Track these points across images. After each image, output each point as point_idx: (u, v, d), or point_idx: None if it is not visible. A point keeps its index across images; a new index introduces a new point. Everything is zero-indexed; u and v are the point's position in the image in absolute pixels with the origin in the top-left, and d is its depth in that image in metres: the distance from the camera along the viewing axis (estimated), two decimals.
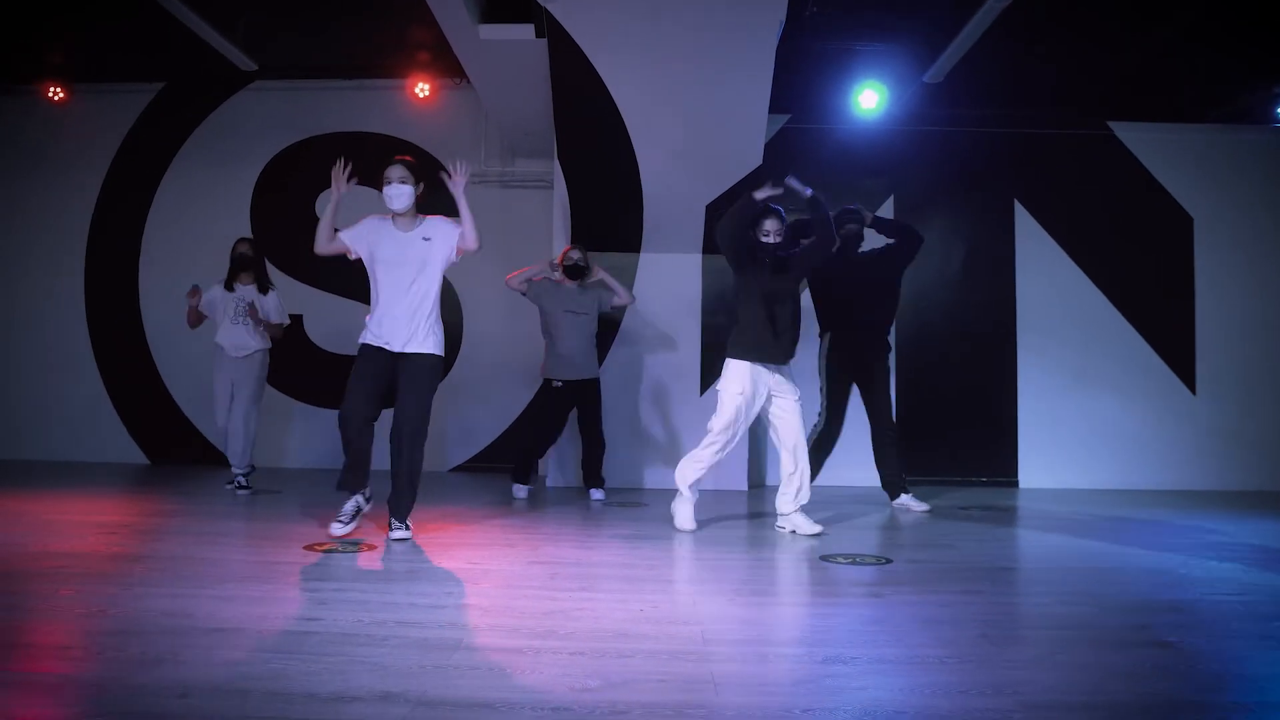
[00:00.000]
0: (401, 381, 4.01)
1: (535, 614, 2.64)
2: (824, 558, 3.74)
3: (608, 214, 6.49)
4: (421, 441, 4.04)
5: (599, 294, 5.95)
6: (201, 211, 7.63)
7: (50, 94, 7.58)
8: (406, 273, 4.00)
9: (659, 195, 6.23)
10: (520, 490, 5.76)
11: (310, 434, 7.38)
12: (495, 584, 3.09)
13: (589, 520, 4.86)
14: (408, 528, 3.97)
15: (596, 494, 5.76)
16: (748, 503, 5.80)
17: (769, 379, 4.47)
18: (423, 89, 7.48)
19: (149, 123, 7.78)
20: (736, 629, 2.57)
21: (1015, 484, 7.20)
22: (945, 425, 7.20)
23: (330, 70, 7.52)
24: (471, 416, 7.45)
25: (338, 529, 3.99)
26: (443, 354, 4.13)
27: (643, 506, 5.44)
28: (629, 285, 6.67)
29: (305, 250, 7.23)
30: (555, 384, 5.73)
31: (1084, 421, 7.23)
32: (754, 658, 2.27)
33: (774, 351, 4.47)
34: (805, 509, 4.46)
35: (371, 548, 3.73)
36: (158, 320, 7.62)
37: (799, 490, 4.43)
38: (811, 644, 2.41)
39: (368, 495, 4.15)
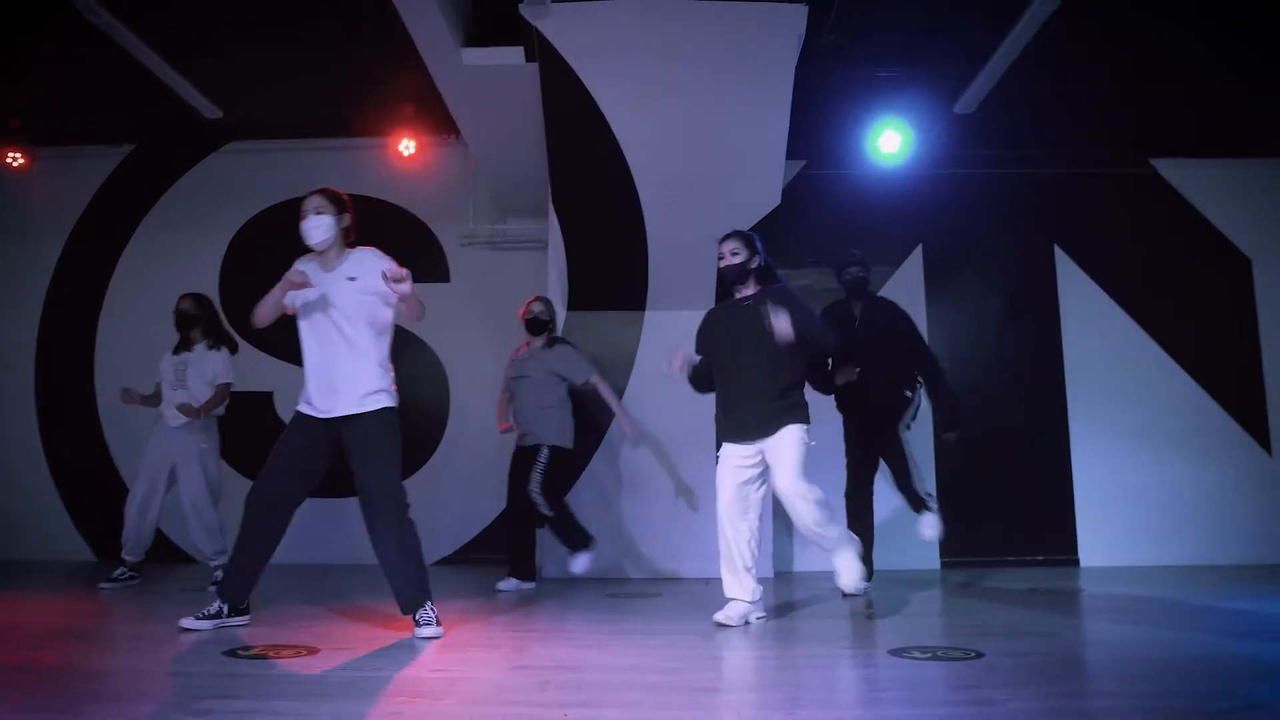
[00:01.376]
0: (353, 453, 3.27)
1: None
2: (894, 652, 2.91)
3: (608, 267, 5.83)
4: (404, 511, 3.27)
5: (560, 359, 5.21)
6: (165, 282, 6.88)
7: (9, 160, 7.04)
8: (332, 320, 3.33)
9: (665, 243, 5.58)
10: (507, 584, 4.94)
11: None
12: (462, 700, 2.26)
13: (592, 615, 4.00)
14: (435, 619, 3.20)
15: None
16: (774, 591, 4.93)
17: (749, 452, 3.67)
18: (407, 146, 6.91)
19: (113, 189, 7.21)
20: None
21: (1075, 562, 6.33)
22: (994, 498, 6.38)
23: (307, 129, 6.99)
24: (460, 501, 6.64)
25: (190, 623, 3.23)
26: (395, 405, 3.38)
27: (656, 597, 4.59)
28: (633, 347, 5.99)
29: (277, 323, 6.56)
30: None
31: (1148, 490, 6.40)
32: None
33: (738, 425, 3.68)
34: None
35: (313, 651, 2.89)
36: (113, 404, 6.85)
37: (825, 539, 3.64)
38: None
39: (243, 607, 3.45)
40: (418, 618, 3.20)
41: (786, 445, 3.56)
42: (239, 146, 7.14)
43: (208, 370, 5.06)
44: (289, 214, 6.88)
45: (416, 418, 6.70)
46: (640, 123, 4.96)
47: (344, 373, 3.28)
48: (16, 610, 4.01)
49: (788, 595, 4.69)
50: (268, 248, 6.96)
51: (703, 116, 4.90)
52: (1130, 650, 3.01)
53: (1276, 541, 6.27)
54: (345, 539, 6.31)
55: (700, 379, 3.95)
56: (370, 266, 3.34)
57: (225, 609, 3.32)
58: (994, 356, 6.60)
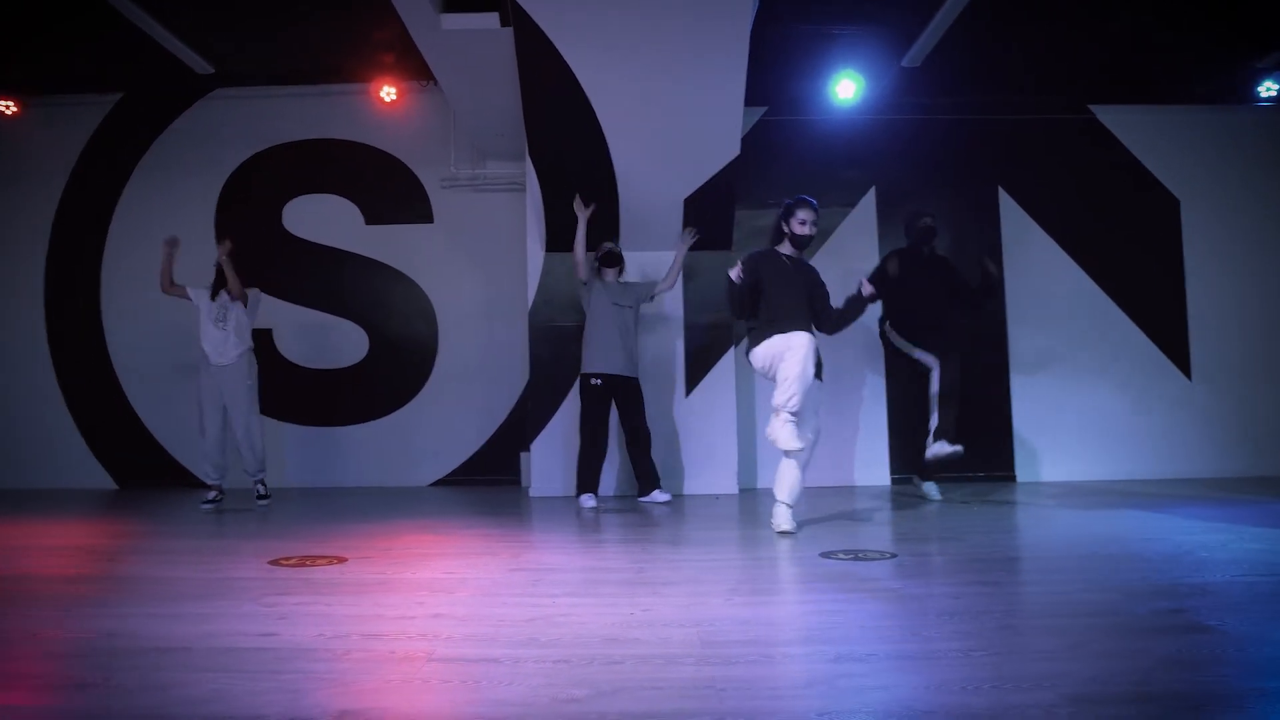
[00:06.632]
0: None
1: (515, 621, 2.41)
2: (824, 555, 3.52)
3: None
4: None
5: (638, 291, 5.93)
6: (164, 226, 7.29)
7: (2, 108, 7.30)
8: None
9: (634, 190, 6.03)
10: (587, 500, 5.49)
11: (273, 451, 7.09)
12: (472, 592, 2.85)
13: (576, 527, 4.61)
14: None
15: (660, 496, 5.65)
16: (739, 505, 5.58)
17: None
18: (388, 93, 7.25)
19: (106, 136, 7.51)
20: (736, 630, 2.34)
21: (1012, 478, 7.01)
22: None
23: (293, 76, 7.28)
24: (450, 428, 7.19)
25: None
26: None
27: (631, 512, 5.21)
28: None
29: (272, 262, 7.12)
30: (594, 381, 5.61)
31: (1079, 412, 7.06)
32: (758, 659, 2.05)
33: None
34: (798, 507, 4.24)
35: (341, 560, 3.47)
36: (122, 340, 7.34)
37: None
38: (820, 642, 2.19)
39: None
40: None
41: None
42: (226, 93, 7.43)
43: (245, 312, 5.77)
44: (280, 158, 7.35)
45: (407, 351, 7.23)
46: (609, 82, 5.35)
47: None
48: (71, 533, 4.55)
49: (752, 509, 5.31)
50: (260, 192, 7.38)
51: (666, 77, 5.29)
52: (1020, 551, 3.66)
53: (1194, 457, 6.98)
54: (347, 464, 6.92)
55: (741, 304, 4.44)
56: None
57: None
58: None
